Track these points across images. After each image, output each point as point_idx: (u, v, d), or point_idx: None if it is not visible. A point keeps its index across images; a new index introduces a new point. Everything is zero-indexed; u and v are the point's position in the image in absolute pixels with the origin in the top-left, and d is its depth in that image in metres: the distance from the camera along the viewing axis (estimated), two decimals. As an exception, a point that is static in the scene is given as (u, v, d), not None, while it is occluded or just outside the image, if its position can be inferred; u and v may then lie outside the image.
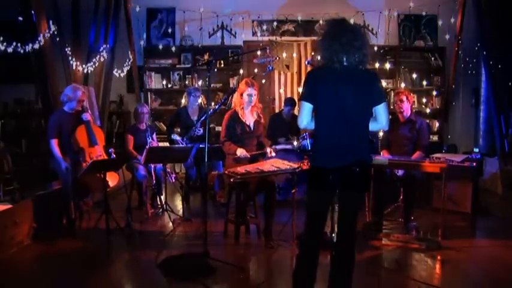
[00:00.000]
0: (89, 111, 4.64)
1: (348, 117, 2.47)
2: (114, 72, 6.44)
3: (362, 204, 2.63)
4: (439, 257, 3.70)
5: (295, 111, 5.80)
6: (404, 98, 4.40)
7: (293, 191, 4.01)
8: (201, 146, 5.08)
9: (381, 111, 2.52)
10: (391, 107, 6.78)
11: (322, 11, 6.82)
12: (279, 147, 4.55)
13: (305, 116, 2.55)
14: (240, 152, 4.00)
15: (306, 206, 2.60)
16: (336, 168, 2.46)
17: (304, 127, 2.61)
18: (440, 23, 7.07)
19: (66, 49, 5.33)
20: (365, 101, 2.50)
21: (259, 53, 6.46)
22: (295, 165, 3.86)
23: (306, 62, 6.61)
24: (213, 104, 6.89)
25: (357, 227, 2.60)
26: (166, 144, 5.71)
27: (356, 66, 2.49)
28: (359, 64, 2.49)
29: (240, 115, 4.13)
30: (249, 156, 4.03)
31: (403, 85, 6.99)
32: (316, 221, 2.58)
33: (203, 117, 5.26)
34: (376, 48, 7.01)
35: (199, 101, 5.71)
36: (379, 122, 2.54)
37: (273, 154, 4.15)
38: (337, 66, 2.47)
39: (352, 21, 6.94)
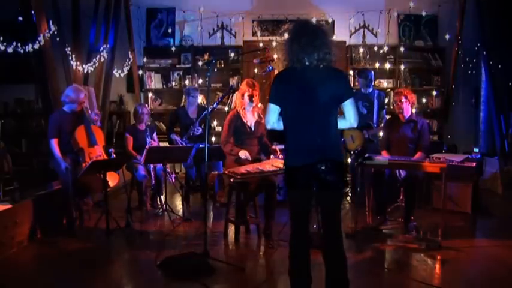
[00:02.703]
0: (89, 111, 4.64)
1: (311, 115, 2.50)
2: (114, 72, 6.44)
3: (340, 202, 2.64)
4: (439, 257, 3.70)
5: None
6: (404, 99, 4.36)
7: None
8: (200, 145, 5.08)
9: (347, 108, 2.54)
10: (391, 107, 6.82)
11: (322, 11, 6.83)
12: (279, 147, 4.55)
13: (271, 117, 2.61)
14: (243, 154, 4.00)
15: (288, 206, 2.65)
16: (303, 166, 2.49)
17: (271, 127, 2.66)
18: (440, 23, 7.06)
19: (66, 49, 5.32)
20: (329, 98, 2.51)
21: (259, 53, 6.45)
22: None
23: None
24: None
25: (341, 225, 2.60)
26: (166, 144, 5.72)
27: (317, 65, 2.51)
28: (321, 62, 2.51)
29: (241, 116, 4.14)
30: (250, 159, 4.03)
31: (403, 85, 6.98)
32: (299, 220, 2.61)
33: (202, 116, 5.27)
34: (376, 48, 7.03)
35: (199, 100, 5.70)
36: (347, 119, 2.57)
37: (280, 156, 4.15)
38: (298, 67, 2.51)
39: (352, 21, 6.99)
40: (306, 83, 2.51)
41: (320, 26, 2.68)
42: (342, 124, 2.60)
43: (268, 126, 2.66)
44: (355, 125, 2.62)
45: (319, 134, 2.51)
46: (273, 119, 2.62)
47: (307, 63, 2.51)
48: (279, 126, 2.64)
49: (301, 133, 2.54)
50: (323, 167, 2.48)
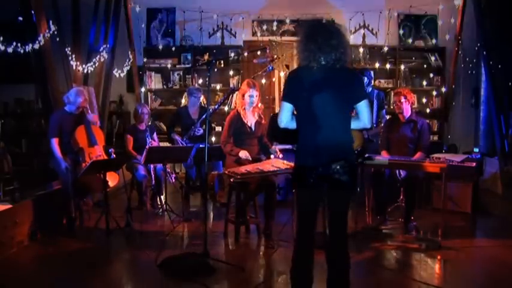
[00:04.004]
0: (90, 111, 4.64)
1: (327, 115, 2.48)
2: (114, 72, 6.44)
3: (349, 203, 2.63)
4: (439, 257, 3.71)
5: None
6: (403, 99, 4.37)
7: (293, 191, 3.99)
8: (201, 146, 5.08)
9: (362, 108, 2.53)
10: (391, 107, 6.82)
11: (322, 10, 6.82)
12: (279, 147, 4.56)
13: (284, 115, 2.58)
14: (243, 154, 4.01)
15: (296, 206, 2.61)
16: (316, 166, 2.47)
17: (284, 126, 2.62)
18: (440, 23, 7.07)
19: (66, 49, 5.32)
20: (344, 99, 2.50)
21: (259, 53, 6.46)
22: (295, 165, 3.85)
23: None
24: (212, 104, 6.91)
25: (347, 226, 2.59)
26: (167, 144, 5.72)
27: (334, 65, 2.49)
28: (337, 63, 2.49)
29: (241, 116, 4.14)
30: (250, 159, 4.03)
31: (403, 85, 6.98)
32: (306, 220, 2.60)
33: (203, 117, 5.27)
34: (376, 48, 7.03)
35: (200, 101, 5.70)
36: (361, 120, 2.55)
37: (280, 156, 4.15)
38: (315, 66, 2.49)
39: (352, 21, 6.99)
40: (322, 83, 2.48)
41: (336, 25, 2.63)
42: (355, 125, 2.58)
43: (282, 125, 2.61)
44: (368, 126, 2.62)
45: (334, 134, 2.49)
46: (287, 118, 2.58)
47: (323, 63, 2.49)
48: (292, 125, 2.61)
49: (316, 133, 2.50)
50: (337, 167, 2.46)
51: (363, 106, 2.52)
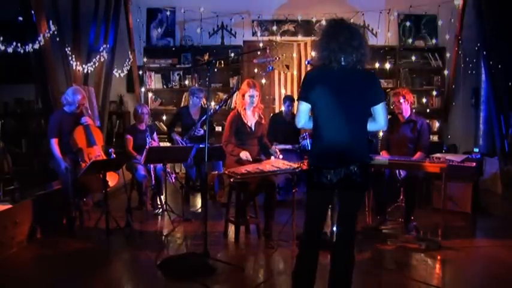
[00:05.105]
0: (89, 112, 4.64)
1: (345, 116, 2.46)
2: (114, 72, 6.44)
3: (362, 204, 2.61)
4: (439, 257, 3.70)
5: (295, 109, 5.80)
6: (402, 99, 4.37)
7: (293, 191, 4.00)
8: (201, 146, 5.08)
9: (379, 111, 2.51)
10: (391, 107, 6.82)
11: (322, 11, 6.83)
12: (279, 147, 4.56)
13: (302, 116, 2.57)
14: (244, 155, 4.01)
15: (305, 206, 2.61)
16: (333, 168, 2.46)
17: (301, 127, 2.62)
18: (440, 23, 7.06)
19: (66, 49, 5.33)
20: (363, 100, 2.49)
21: (259, 53, 6.46)
22: (295, 165, 3.86)
23: (306, 62, 6.60)
24: (213, 104, 6.91)
25: (356, 227, 2.60)
26: (167, 144, 5.71)
27: (354, 66, 2.47)
28: (357, 64, 2.48)
29: (242, 116, 4.14)
30: (251, 160, 4.03)
31: (403, 85, 6.98)
32: (315, 221, 2.59)
33: (204, 118, 5.27)
34: (376, 48, 7.03)
35: (202, 102, 5.70)
36: (378, 122, 2.54)
37: (280, 156, 4.16)
38: (335, 66, 2.46)
39: (351, 21, 6.97)
40: (341, 84, 2.46)
41: (356, 25, 2.60)
42: (371, 126, 2.57)
43: (299, 126, 2.61)
44: (384, 128, 2.64)
45: (352, 135, 2.48)
46: (305, 118, 2.57)
47: (343, 64, 2.46)
48: (309, 125, 2.59)
49: (334, 134, 2.48)
50: (355, 169, 2.45)
51: (380, 108, 2.51)
